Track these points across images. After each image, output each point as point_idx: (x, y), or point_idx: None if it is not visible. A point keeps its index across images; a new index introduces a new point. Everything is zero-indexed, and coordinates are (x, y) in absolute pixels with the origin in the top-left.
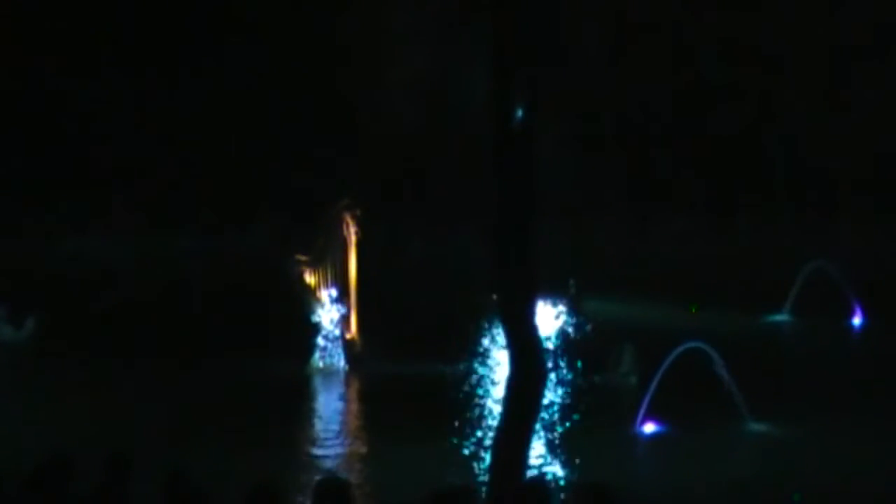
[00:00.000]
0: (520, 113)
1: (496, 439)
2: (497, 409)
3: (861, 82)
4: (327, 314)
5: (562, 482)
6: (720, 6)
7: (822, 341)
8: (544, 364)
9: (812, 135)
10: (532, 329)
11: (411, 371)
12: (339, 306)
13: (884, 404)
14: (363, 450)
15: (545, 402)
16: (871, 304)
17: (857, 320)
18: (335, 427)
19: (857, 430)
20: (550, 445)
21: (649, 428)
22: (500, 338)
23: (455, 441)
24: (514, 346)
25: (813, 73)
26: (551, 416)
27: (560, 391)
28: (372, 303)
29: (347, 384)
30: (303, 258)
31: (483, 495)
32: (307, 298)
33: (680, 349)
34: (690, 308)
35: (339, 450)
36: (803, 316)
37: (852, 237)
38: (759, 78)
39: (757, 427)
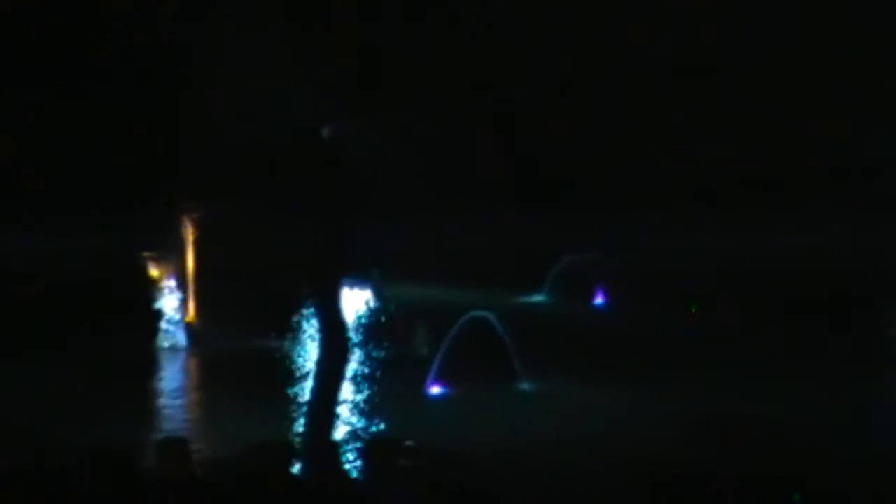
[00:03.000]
0: (336, 132)
1: (309, 402)
2: (311, 377)
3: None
4: (169, 301)
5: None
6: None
7: (574, 317)
8: (348, 339)
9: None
10: (338, 311)
11: (242, 347)
12: (180, 294)
13: (621, 365)
14: (199, 412)
15: (351, 371)
16: (611, 289)
17: (599, 301)
18: (176, 394)
19: (607, 385)
20: (354, 406)
21: (436, 389)
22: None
23: (277, 403)
24: (323, 325)
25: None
26: (356, 382)
27: (364, 362)
28: (210, 291)
29: (187, 359)
30: (148, 254)
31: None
32: (151, 289)
33: (464, 319)
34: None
35: (179, 412)
36: (557, 297)
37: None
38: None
39: (526, 386)
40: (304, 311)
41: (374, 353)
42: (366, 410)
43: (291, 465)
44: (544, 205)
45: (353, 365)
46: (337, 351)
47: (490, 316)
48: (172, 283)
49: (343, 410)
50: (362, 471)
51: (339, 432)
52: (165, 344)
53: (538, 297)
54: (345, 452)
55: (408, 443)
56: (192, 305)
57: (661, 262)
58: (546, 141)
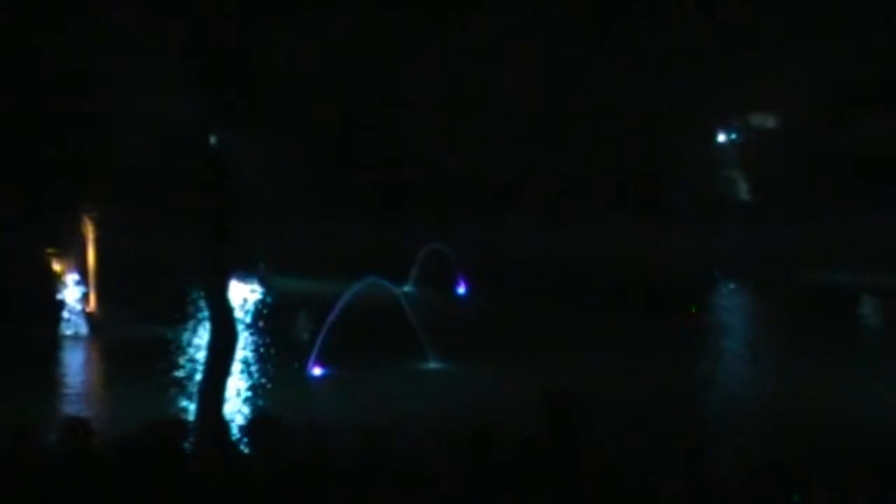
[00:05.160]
0: (216, 139)
1: (201, 384)
2: (202, 361)
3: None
4: (71, 293)
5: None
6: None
7: (440, 304)
8: (235, 327)
9: (439, 160)
10: (226, 301)
11: (139, 335)
12: (81, 287)
13: (492, 347)
14: (100, 394)
15: (238, 356)
16: (472, 278)
17: (461, 290)
18: (77, 378)
19: (485, 363)
20: (241, 388)
21: (318, 371)
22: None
23: (172, 386)
24: (212, 315)
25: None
26: (243, 366)
27: (250, 348)
28: (109, 284)
29: (88, 346)
30: (51, 251)
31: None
32: (54, 282)
33: (357, 286)
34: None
35: (79, 395)
36: (423, 287)
37: (461, 230)
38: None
39: (430, 365)
40: (196, 302)
41: (260, 339)
42: (251, 390)
43: (184, 441)
44: (408, 208)
45: (239, 350)
46: (226, 337)
47: (386, 283)
48: (75, 276)
49: (231, 390)
50: (245, 446)
51: (227, 411)
52: (68, 332)
53: (406, 287)
54: (231, 430)
55: (283, 420)
56: (93, 297)
57: (511, 256)
58: (407, 152)
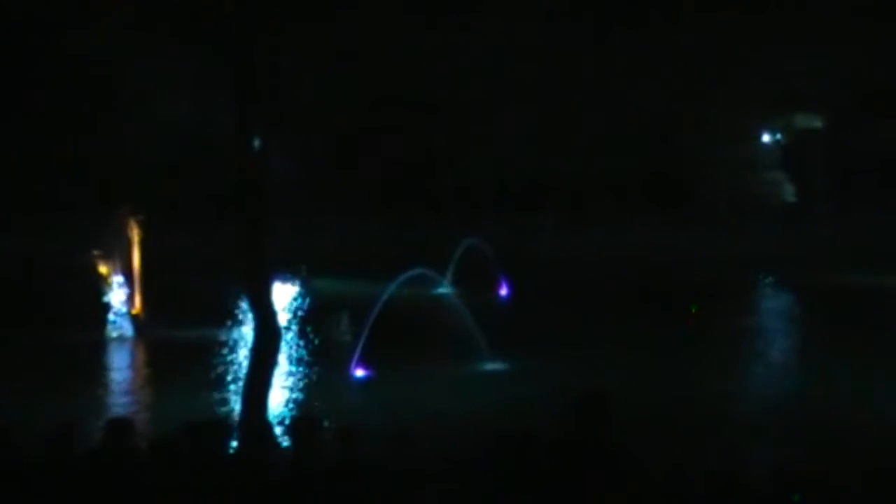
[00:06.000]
0: (253, 143)
1: (245, 385)
2: (246, 362)
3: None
4: (116, 295)
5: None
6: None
7: (483, 307)
8: (279, 329)
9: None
10: (269, 303)
11: (184, 336)
12: (126, 289)
13: (540, 349)
14: (144, 395)
15: (282, 357)
16: (514, 279)
17: (503, 291)
18: (123, 379)
19: (527, 364)
20: (285, 389)
21: (360, 373)
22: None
23: (215, 387)
24: (256, 316)
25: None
26: (286, 367)
27: (293, 349)
28: (153, 285)
29: (134, 348)
30: (97, 252)
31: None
32: (100, 283)
33: (404, 276)
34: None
35: (125, 396)
36: (461, 287)
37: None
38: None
39: (474, 366)
40: (241, 304)
41: (303, 341)
42: (295, 392)
43: (225, 441)
44: (426, 208)
45: (283, 351)
46: (269, 338)
47: (429, 271)
48: (120, 278)
49: (275, 392)
50: (287, 448)
51: (271, 412)
52: (113, 334)
53: (442, 288)
54: (275, 431)
55: (325, 422)
56: (138, 299)
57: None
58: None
